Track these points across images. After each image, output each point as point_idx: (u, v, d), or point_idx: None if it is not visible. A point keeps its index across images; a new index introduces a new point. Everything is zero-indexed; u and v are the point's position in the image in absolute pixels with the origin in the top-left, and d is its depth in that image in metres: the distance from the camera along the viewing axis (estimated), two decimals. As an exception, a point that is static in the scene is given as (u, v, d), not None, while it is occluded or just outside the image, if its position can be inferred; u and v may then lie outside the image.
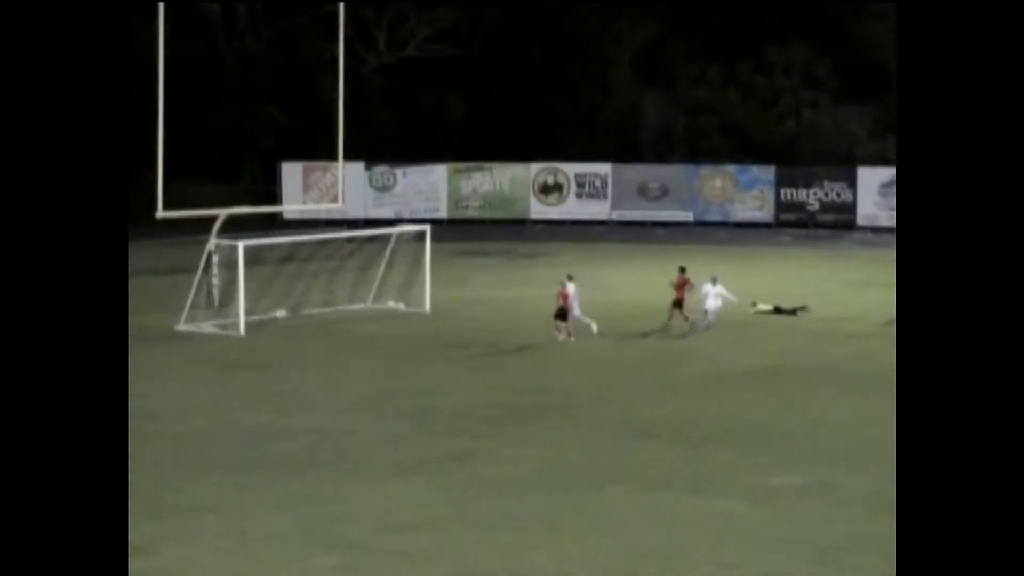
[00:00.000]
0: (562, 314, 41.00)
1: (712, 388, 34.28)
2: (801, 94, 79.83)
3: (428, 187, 76.75)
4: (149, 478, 24.84)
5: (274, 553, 21.30)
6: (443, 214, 75.35)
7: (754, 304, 45.82)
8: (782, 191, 74.62)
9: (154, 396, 32.27)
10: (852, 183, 73.41)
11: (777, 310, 45.59)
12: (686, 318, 42.52)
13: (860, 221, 72.69)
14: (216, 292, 45.04)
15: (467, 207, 76.98)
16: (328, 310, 45.40)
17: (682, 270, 43.74)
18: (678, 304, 42.73)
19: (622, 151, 79.07)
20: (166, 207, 41.61)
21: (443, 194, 76.73)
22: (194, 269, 44.95)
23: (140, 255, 55.27)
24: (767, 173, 75.04)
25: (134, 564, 19.79)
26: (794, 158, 76.09)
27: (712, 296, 41.84)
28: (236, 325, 42.10)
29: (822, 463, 26.89)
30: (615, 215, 75.91)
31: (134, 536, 21.04)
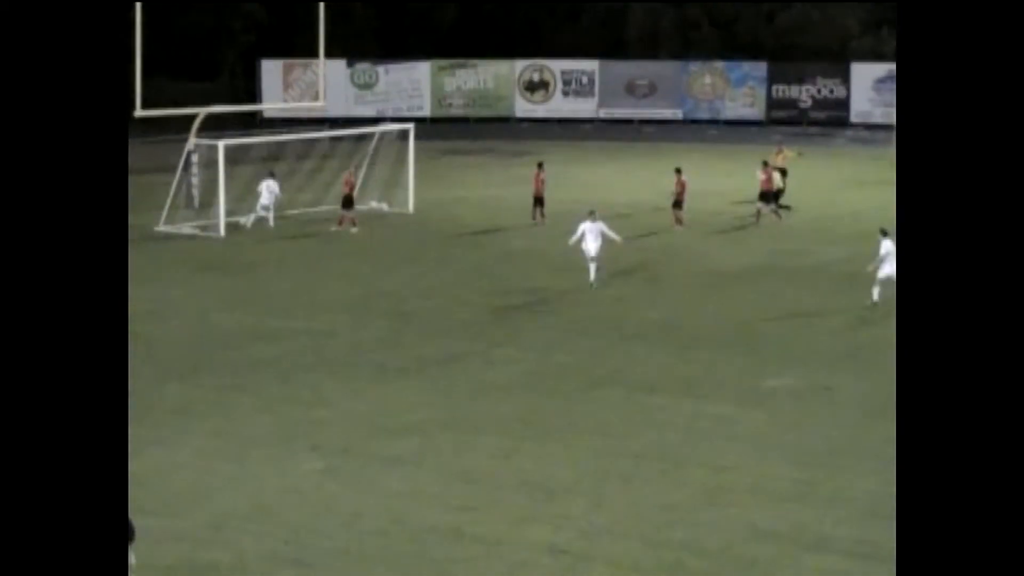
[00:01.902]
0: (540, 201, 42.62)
1: (703, 289, 33.72)
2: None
3: (411, 85, 75.66)
4: (131, 381, 24.20)
5: (258, 457, 20.90)
6: (427, 112, 74.34)
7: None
8: (774, 88, 73.61)
9: (134, 298, 31.39)
10: (845, 79, 72.40)
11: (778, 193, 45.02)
12: (679, 221, 41.96)
13: (854, 118, 71.79)
14: (196, 192, 44.23)
15: (451, 105, 75.95)
16: (311, 211, 44.54)
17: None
18: (677, 204, 42.31)
19: (609, 47, 77.87)
20: (144, 106, 40.65)
21: (426, 92, 75.65)
22: (173, 169, 44.16)
23: (118, 154, 54.47)
24: (758, 69, 73.97)
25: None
26: (786, 53, 74.96)
27: (591, 233, 33.42)
28: (216, 226, 41.32)
29: (815, 365, 26.42)
30: (602, 113, 74.95)
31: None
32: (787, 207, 44.89)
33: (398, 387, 24.85)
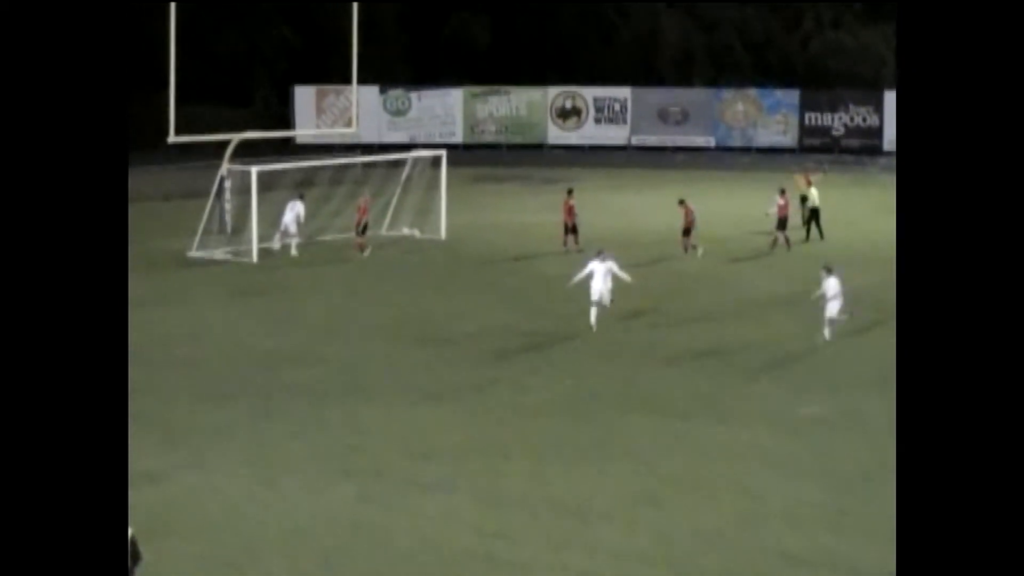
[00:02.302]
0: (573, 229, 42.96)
1: (736, 315, 33.66)
2: (825, 13, 78.30)
3: (444, 111, 75.89)
4: (164, 404, 24.42)
5: (291, 481, 20.92)
6: (459, 139, 74.54)
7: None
8: (806, 115, 73.52)
9: (168, 322, 31.78)
10: (878, 107, 72.24)
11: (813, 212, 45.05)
12: (694, 247, 42.08)
13: (886, 146, 71.54)
14: (229, 218, 44.44)
15: (483, 132, 76.12)
16: (342, 236, 44.66)
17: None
18: (686, 232, 42.53)
19: (642, 74, 77.91)
20: (178, 131, 40.92)
21: (459, 118, 75.86)
22: (206, 194, 44.37)
23: (151, 180, 54.81)
24: (791, 96, 73.90)
25: (148, 492, 19.42)
26: (819, 80, 74.84)
27: (600, 274, 31.56)
28: (249, 251, 41.50)
29: (847, 391, 26.34)
30: (634, 140, 75.00)
31: (149, 463, 20.72)
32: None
33: (431, 412, 24.86)
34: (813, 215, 45.45)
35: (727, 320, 33.22)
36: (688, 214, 42.42)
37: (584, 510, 19.80)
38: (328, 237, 44.61)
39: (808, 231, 45.45)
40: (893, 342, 29.74)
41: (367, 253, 41.93)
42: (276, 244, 42.58)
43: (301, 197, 43.62)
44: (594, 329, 31.01)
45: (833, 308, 30.42)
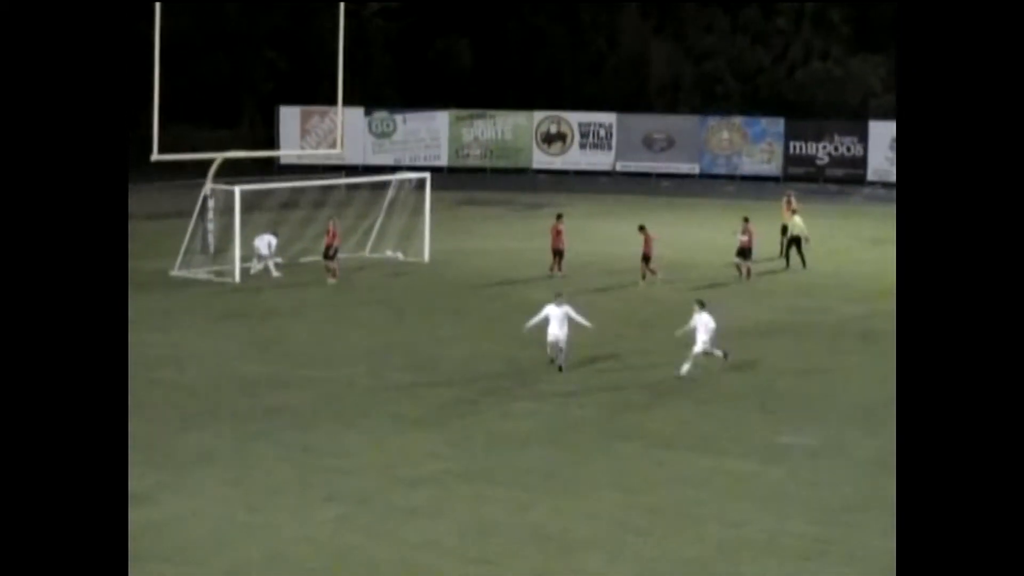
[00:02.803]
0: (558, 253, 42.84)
1: (722, 344, 33.59)
2: (813, 42, 78.57)
3: (429, 134, 75.93)
4: (149, 427, 24.33)
5: (275, 505, 20.89)
6: (444, 162, 74.58)
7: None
8: (791, 144, 73.73)
9: (152, 344, 31.67)
10: (863, 137, 72.48)
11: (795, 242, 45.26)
12: (653, 272, 42.05)
13: (871, 176, 71.77)
14: (212, 238, 44.38)
15: (468, 155, 76.18)
16: (348, 255, 44.65)
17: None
18: (646, 259, 42.59)
19: (629, 100, 78.09)
20: (162, 150, 40.87)
21: (444, 141, 75.91)
22: (189, 214, 44.30)
23: (134, 199, 54.49)
24: (776, 125, 74.12)
25: (134, 514, 19.27)
26: (806, 109, 75.08)
27: (556, 319, 30.25)
28: (231, 271, 41.43)
29: (833, 422, 26.35)
30: (619, 166, 75.11)
31: (134, 485, 20.55)
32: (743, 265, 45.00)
33: (415, 437, 24.82)
34: (794, 243, 45.54)
35: (711, 348, 33.22)
36: (648, 241, 42.33)
37: (567, 538, 19.78)
38: (310, 259, 44.55)
39: (787, 259, 45.53)
40: (877, 373, 29.93)
41: (335, 279, 41.45)
42: (253, 268, 42.42)
43: (275, 233, 43.32)
44: (561, 370, 29.77)
45: (701, 344, 29.51)
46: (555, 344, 29.93)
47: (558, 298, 30.66)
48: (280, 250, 43.11)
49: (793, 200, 47.26)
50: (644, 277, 42.04)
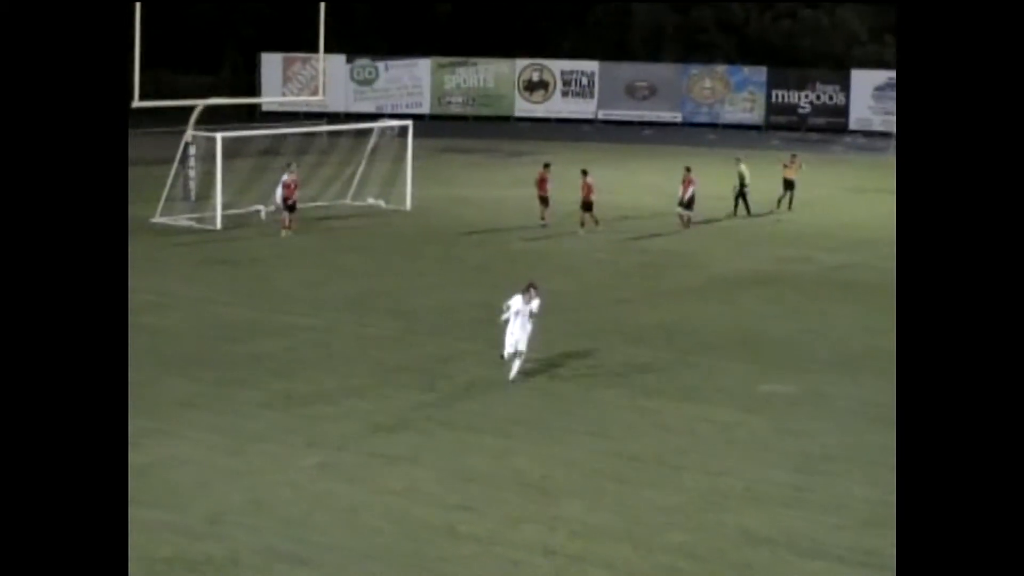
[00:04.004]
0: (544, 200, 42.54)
1: (704, 293, 33.74)
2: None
3: (411, 82, 75.69)
4: (132, 373, 24.13)
5: (256, 451, 20.92)
6: (426, 110, 74.40)
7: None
8: (773, 93, 73.65)
9: (134, 289, 31.38)
10: (845, 86, 72.49)
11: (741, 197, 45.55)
12: (596, 221, 42.00)
13: (853, 125, 71.87)
14: (193, 184, 44.22)
15: (450, 103, 75.97)
16: (306, 206, 44.53)
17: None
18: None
19: (612, 49, 77.83)
20: (143, 97, 40.65)
21: (426, 89, 75.67)
22: (170, 161, 44.12)
23: (117, 145, 54.39)
24: (759, 74, 74.01)
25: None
26: (790, 58, 74.92)
27: (521, 319, 25.12)
28: (212, 218, 41.31)
29: (815, 372, 26.44)
30: (601, 114, 75.01)
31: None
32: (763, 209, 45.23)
33: (397, 384, 24.84)
34: (743, 192, 45.61)
35: (694, 297, 33.29)
36: (587, 187, 42.22)
37: (547, 486, 19.84)
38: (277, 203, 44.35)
39: (737, 207, 45.53)
40: (859, 323, 30.04)
41: (291, 233, 40.54)
42: (263, 214, 42.03)
43: (289, 166, 42.86)
44: (511, 378, 25.10)
45: (514, 337, 24.84)
46: (513, 349, 24.97)
47: (529, 291, 25.32)
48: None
49: (796, 159, 47.48)
50: (583, 225, 41.88)
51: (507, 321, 24.94)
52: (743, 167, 46.01)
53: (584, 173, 42.44)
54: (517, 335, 24.84)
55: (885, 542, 17.93)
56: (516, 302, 24.96)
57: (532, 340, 25.12)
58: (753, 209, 45.61)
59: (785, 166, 47.21)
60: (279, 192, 41.68)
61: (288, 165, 42.74)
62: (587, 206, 41.95)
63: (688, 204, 43.10)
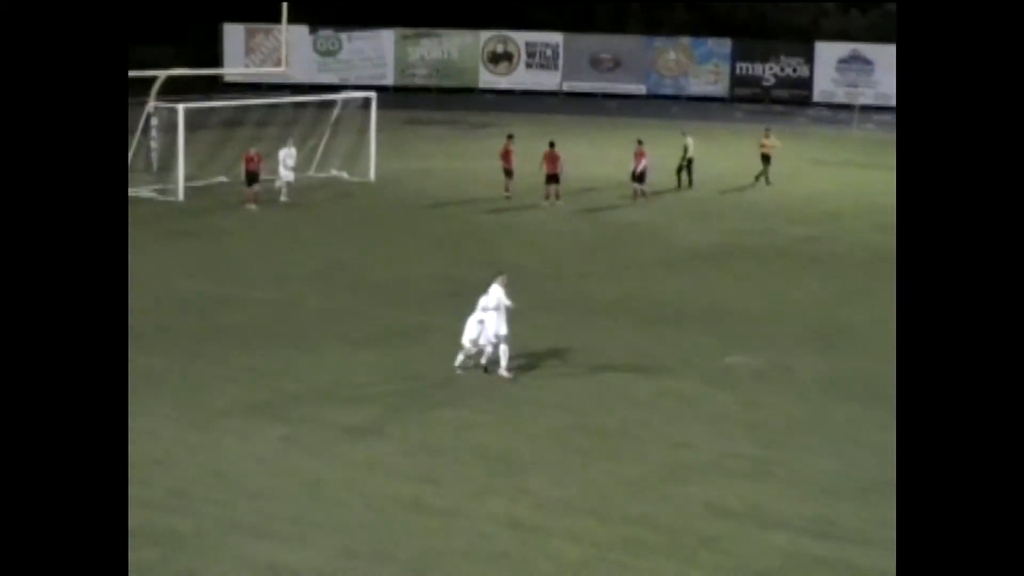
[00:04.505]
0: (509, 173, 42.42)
1: (668, 267, 33.77)
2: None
3: (374, 53, 75.38)
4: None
5: (220, 425, 20.89)
6: (390, 81, 74.10)
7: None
8: (738, 65, 73.69)
9: (92, 262, 31.35)
10: (809, 58, 72.56)
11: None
12: (557, 195, 42.01)
13: (816, 97, 71.97)
14: (155, 156, 43.95)
15: (414, 75, 75.70)
16: (270, 177, 44.29)
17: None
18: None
19: (576, 21, 77.66)
20: (106, 67, 40.27)
21: (390, 61, 75.37)
22: (132, 132, 43.79)
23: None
24: (723, 47, 74.04)
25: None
26: (755, 30, 74.89)
27: (496, 311, 23.75)
28: (175, 190, 41.08)
29: (779, 345, 26.50)
30: (566, 86, 74.90)
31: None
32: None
33: (361, 358, 24.79)
34: (687, 165, 45.58)
35: (659, 270, 33.32)
36: (554, 159, 42.20)
37: (511, 458, 19.85)
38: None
39: (680, 179, 45.47)
40: (823, 296, 30.13)
41: (255, 207, 40.18)
42: (284, 196, 41.74)
43: (287, 141, 42.68)
44: (458, 371, 23.78)
45: (473, 331, 23.58)
46: (488, 345, 23.68)
47: (499, 277, 24.19)
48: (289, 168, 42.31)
49: (770, 135, 47.38)
50: (548, 197, 41.90)
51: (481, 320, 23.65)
52: (689, 140, 46.00)
53: (551, 145, 42.40)
54: (496, 324, 23.46)
55: (848, 514, 18.04)
56: (496, 292, 23.72)
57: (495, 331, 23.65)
58: (696, 182, 45.54)
59: (762, 143, 47.08)
60: (284, 169, 41.70)
61: (287, 140, 42.86)
62: (552, 179, 41.91)
63: (640, 177, 43.01)
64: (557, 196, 41.77)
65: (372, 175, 45.54)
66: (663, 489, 18.86)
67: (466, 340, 23.67)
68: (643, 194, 42.87)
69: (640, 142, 43.51)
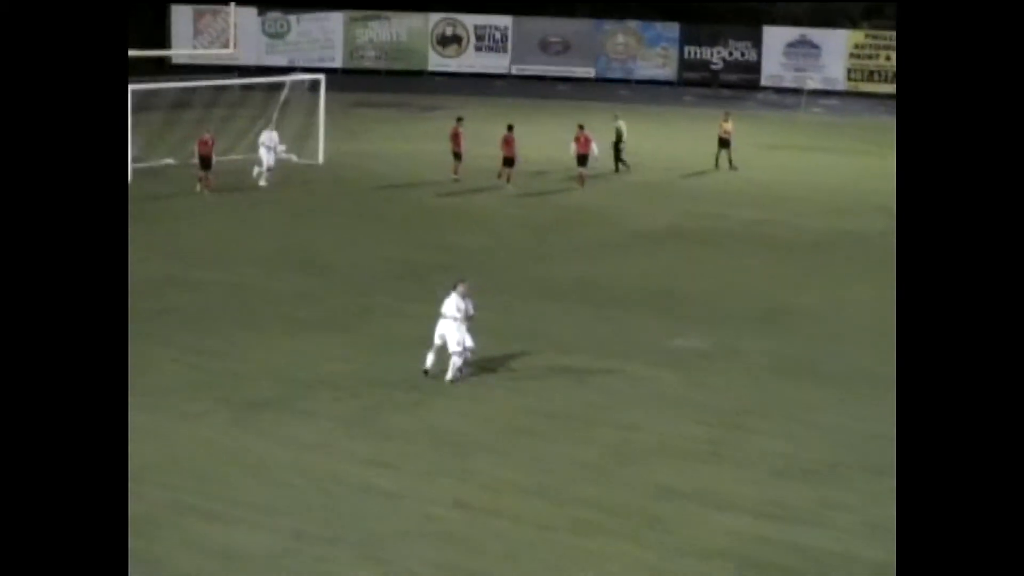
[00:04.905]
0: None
1: (619, 249, 33.82)
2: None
3: (323, 35, 75.07)
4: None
5: (169, 407, 20.79)
6: (338, 64, 73.80)
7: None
8: (686, 49, 73.84)
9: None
10: (757, 42, 72.77)
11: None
12: (508, 178, 42.00)
13: (765, 81, 72.18)
14: (102, 138, 43.56)
15: (363, 57, 75.44)
16: (218, 159, 44.02)
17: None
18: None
19: (526, 4, 77.56)
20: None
21: (339, 43, 75.07)
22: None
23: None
24: (671, 30, 74.17)
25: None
26: (703, 14, 74.99)
27: (457, 320, 22.49)
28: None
29: (728, 327, 26.61)
30: (515, 69, 74.84)
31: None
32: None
33: (310, 340, 24.73)
34: (615, 146, 45.64)
35: (609, 253, 33.36)
36: (510, 143, 42.27)
37: (462, 441, 19.88)
38: (194, 160, 43.92)
39: (617, 161, 45.52)
40: (772, 279, 30.29)
41: (208, 191, 39.79)
42: (263, 181, 41.42)
43: (269, 124, 42.50)
44: (427, 374, 22.62)
45: (452, 333, 22.34)
46: (441, 342, 22.50)
47: (459, 285, 22.98)
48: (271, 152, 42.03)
49: (729, 120, 47.32)
50: (506, 179, 41.99)
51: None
52: (621, 123, 45.97)
53: (509, 128, 42.43)
54: (459, 335, 22.31)
55: (796, 495, 18.17)
56: (449, 305, 22.54)
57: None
58: (646, 166, 45.56)
59: (722, 127, 47.03)
60: (265, 152, 41.42)
61: (268, 123, 42.69)
62: (508, 162, 41.94)
63: (582, 161, 42.97)
64: (508, 179, 41.76)
65: (321, 158, 45.38)
66: (612, 471, 18.93)
67: (454, 345, 22.28)
68: (582, 179, 42.67)
69: (581, 127, 43.51)
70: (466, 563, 15.99)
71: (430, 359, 22.59)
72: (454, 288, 22.85)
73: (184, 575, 15.42)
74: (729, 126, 47.00)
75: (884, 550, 16.46)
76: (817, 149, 52.44)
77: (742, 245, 34.70)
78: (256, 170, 41.42)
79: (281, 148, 42.08)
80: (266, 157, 41.55)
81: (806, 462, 19.38)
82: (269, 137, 41.96)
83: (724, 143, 46.66)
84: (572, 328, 26.21)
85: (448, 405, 21.38)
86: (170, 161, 42.68)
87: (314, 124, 46.22)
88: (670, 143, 50.19)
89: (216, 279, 29.14)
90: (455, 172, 42.71)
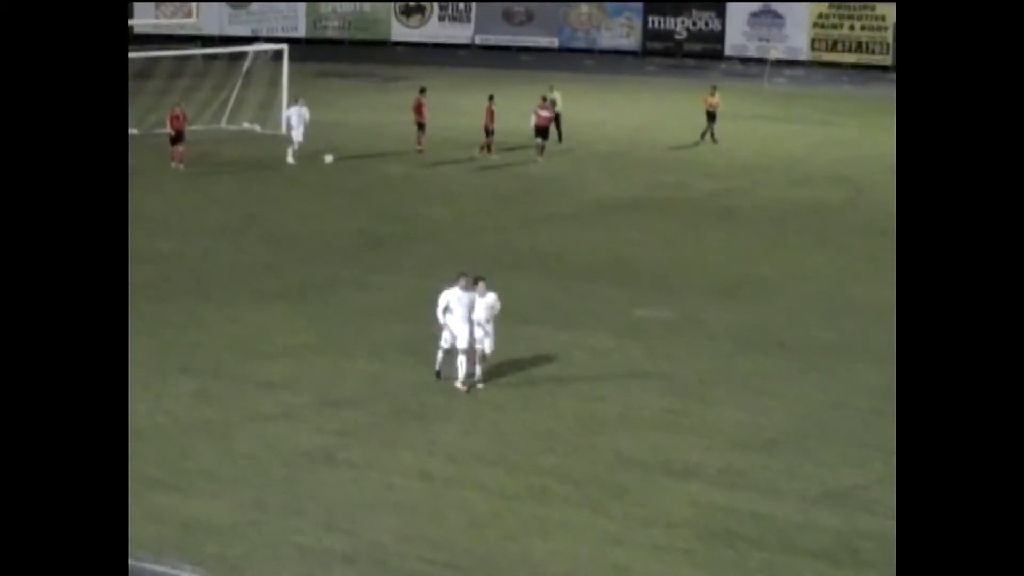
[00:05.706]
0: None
1: (581, 220, 33.87)
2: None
3: (286, 5, 74.62)
4: None
5: (133, 378, 20.30)
6: (301, 33, 73.43)
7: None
8: (650, 19, 73.77)
9: None
10: (721, 12, 72.67)
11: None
12: (482, 148, 42.09)
13: (728, 51, 72.16)
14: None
15: (326, 27, 75.09)
16: (196, 128, 43.79)
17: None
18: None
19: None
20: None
21: (302, 13, 74.67)
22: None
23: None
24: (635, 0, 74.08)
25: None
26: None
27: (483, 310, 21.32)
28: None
29: (690, 298, 26.71)
30: (478, 39, 74.61)
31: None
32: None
33: (273, 311, 24.73)
34: (555, 119, 45.32)
35: (571, 223, 33.41)
36: (490, 113, 42.28)
37: (423, 411, 19.94)
38: (166, 131, 43.72)
39: (560, 134, 45.45)
40: (734, 249, 30.37)
41: (183, 167, 39.34)
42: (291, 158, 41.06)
43: (298, 101, 41.97)
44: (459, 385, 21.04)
45: (456, 332, 21.08)
46: (450, 345, 21.20)
47: (477, 284, 21.51)
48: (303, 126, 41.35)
49: (715, 93, 47.10)
50: (487, 150, 41.99)
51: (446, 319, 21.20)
52: (556, 94, 45.57)
53: (490, 99, 42.43)
54: (459, 330, 21.04)
55: (755, 464, 18.30)
56: (451, 296, 21.33)
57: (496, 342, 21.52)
58: (609, 136, 45.54)
59: (708, 100, 46.89)
60: (294, 130, 40.80)
61: (296, 100, 41.87)
62: (488, 132, 41.98)
63: (541, 133, 42.83)
64: (488, 149, 41.80)
65: (284, 128, 45.17)
66: (573, 440, 19.03)
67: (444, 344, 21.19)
68: (542, 149, 42.51)
69: (544, 99, 43.43)
70: (431, 533, 16.08)
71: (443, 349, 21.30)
72: (466, 284, 21.46)
73: (146, 545, 15.43)
74: (715, 100, 46.86)
75: (844, 518, 16.65)
76: (780, 119, 52.54)
77: (704, 216, 34.79)
78: (289, 150, 40.84)
79: (295, 124, 41.17)
80: (295, 134, 40.94)
81: (767, 432, 19.52)
82: (297, 112, 41.42)
83: (711, 116, 46.44)
84: (534, 299, 26.24)
85: (408, 375, 21.41)
86: (134, 131, 42.40)
87: (277, 94, 46.04)
88: (633, 113, 50.15)
89: (178, 250, 29.07)
90: (419, 143, 42.66)
